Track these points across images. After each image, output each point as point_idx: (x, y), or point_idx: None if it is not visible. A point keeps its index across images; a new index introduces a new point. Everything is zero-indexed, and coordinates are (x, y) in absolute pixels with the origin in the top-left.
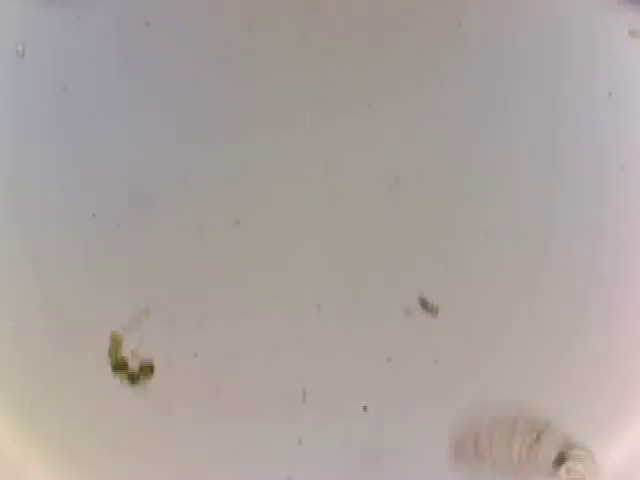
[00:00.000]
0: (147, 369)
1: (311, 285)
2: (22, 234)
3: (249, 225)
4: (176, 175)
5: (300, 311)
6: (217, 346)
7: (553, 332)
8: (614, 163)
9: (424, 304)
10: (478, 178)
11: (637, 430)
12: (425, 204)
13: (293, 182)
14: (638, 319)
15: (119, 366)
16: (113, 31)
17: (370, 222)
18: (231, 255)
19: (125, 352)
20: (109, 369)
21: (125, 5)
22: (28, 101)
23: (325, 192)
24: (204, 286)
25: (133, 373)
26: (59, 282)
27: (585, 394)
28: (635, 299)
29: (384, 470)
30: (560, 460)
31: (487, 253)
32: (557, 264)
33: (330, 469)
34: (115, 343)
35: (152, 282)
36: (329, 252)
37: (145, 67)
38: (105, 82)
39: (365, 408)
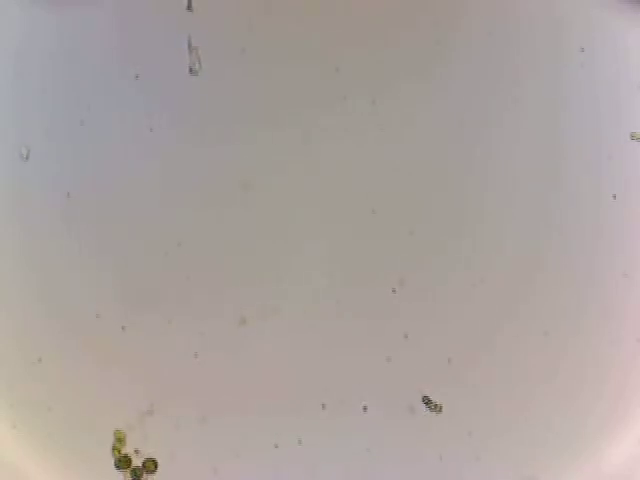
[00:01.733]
0: (150, 465)
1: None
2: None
3: (254, 327)
4: (178, 275)
5: None
6: (219, 443)
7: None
8: (613, 163)
9: (428, 402)
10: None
11: (637, 430)
12: (429, 304)
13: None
14: (638, 319)
15: (122, 463)
16: (113, 30)
17: (375, 320)
18: (233, 355)
19: (129, 449)
20: (112, 465)
21: (123, 5)
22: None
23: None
24: (207, 384)
25: (136, 469)
26: (64, 380)
27: (585, 394)
28: (635, 299)
29: (383, 470)
30: None
31: (490, 351)
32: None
33: (330, 469)
34: (118, 441)
35: (155, 382)
36: (331, 354)
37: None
38: None
39: (365, 408)
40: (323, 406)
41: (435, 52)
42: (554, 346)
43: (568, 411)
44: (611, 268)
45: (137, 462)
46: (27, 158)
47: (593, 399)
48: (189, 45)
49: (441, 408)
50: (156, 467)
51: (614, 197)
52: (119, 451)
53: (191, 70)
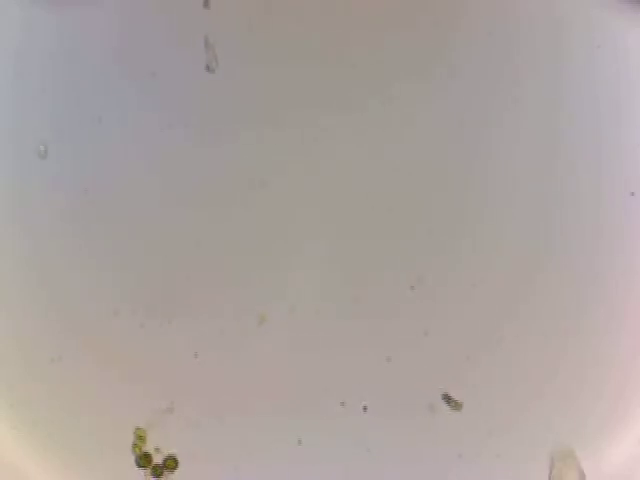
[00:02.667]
0: (171, 463)
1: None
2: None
3: (273, 327)
4: (198, 273)
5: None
6: (238, 440)
7: (556, 335)
8: (613, 164)
9: (448, 399)
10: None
11: (637, 430)
12: (447, 302)
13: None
14: (638, 319)
15: (143, 461)
16: (114, 30)
17: (393, 319)
18: (253, 352)
19: (149, 447)
20: (133, 463)
21: (124, 5)
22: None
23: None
24: (225, 383)
25: (157, 467)
26: (86, 378)
27: (585, 394)
28: (635, 299)
29: (382, 470)
30: None
31: (508, 349)
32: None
33: (330, 469)
34: (139, 439)
35: (176, 380)
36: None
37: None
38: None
39: (365, 408)
40: (342, 404)
41: (436, 52)
42: (555, 346)
43: (568, 411)
44: (611, 268)
45: (158, 460)
46: (45, 156)
47: (593, 399)
48: (206, 43)
49: (461, 406)
50: (177, 465)
51: (632, 194)
52: (140, 449)
53: (208, 68)
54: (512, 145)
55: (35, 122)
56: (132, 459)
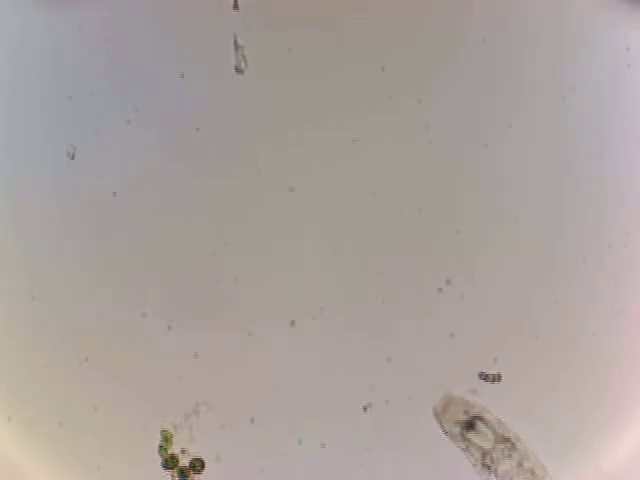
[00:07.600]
0: (198, 465)
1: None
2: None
3: (304, 328)
4: (225, 275)
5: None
6: (266, 442)
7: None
8: (618, 162)
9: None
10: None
11: (637, 430)
12: (473, 302)
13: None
14: (638, 319)
15: (169, 462)
16: (111, 33)
17: (420, 320)
18: (282, 355)
19: (175, 449)
20: (159, 464)
21: (121, 6)
22: None
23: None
24: (254, 385)
25: (184, 469)
26: (109, 384)
27: (585, 394)
28: (635, 298)
29: (382, 470)
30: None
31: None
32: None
33: (330, 469)
34: (165, 441)
35: (202, 382)
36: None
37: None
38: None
39: (365, 408)
40: (366, 408)
41: (442, 52)
42: (554, 347)
43: (568, 411)
44: (612, 268)
45: (184, 461)
46: (73, 157)
47: (594, 398)
48: (235, 44)
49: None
50: (203, 467)
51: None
52: (166, 451)
53: (237, 69)
54: (515, 146)
55: (34, 122)
56: (158, 461)
